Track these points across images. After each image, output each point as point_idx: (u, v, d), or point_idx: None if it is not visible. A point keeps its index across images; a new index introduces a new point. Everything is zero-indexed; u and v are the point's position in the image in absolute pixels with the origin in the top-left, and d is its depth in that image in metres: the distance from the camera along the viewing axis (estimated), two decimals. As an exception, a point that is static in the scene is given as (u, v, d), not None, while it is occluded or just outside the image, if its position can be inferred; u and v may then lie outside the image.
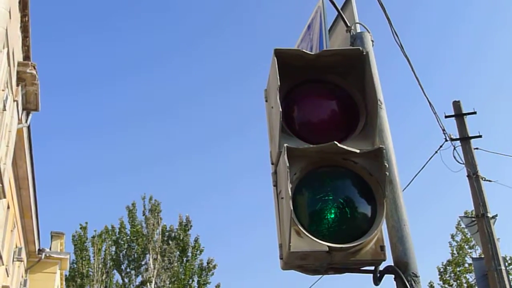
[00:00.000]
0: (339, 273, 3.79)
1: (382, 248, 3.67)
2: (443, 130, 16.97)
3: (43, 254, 28.00)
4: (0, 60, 14.30)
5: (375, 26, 4.78)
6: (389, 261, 3.77)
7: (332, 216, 3.67)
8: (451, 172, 17.58)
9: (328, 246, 3.52)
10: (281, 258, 3.72)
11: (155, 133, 76.19)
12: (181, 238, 39.44)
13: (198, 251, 39.67)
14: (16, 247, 23.63)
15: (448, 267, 36.92)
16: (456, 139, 17.62)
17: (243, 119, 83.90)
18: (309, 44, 4.99)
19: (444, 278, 36.73)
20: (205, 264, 39.43)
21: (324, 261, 3.62)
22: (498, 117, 73.17)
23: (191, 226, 40.35)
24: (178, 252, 38.89)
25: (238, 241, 70.41)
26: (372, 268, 3.75)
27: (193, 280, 38.86)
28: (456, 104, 18.32)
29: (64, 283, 35.05)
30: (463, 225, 33.10)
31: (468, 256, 36.27)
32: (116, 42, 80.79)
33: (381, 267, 3.76)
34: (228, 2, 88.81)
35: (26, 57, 18.64)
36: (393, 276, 3.77)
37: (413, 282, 3.73)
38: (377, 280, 3.75)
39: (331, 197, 3.71)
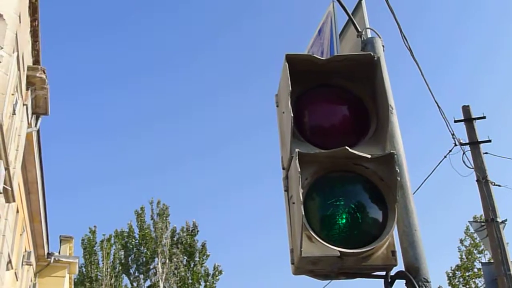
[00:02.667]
0: (350, 278, 3.79)
1: (393, 253, 3.67)
2: (453, 134, 16.94)
3: (52, 258, 28.02)
4: (10, 65, 14.34)
5: (386, 31, 4.78)
6: (400, 266, 3.77)
7: (343, 221, 3.67)
8: (460, 176, 17.55)
9: (340, 251, 3.52)
10: (292, 263, 3.72)
11: (163, 137, 76.33)
12: (188, 243, 39.53)
13: (205, 256, 39.78)
14: (25, 251, 23.66)
15: (457, 272, 36.84)
16: (466, 144, 17.60)
17: (251, 123, 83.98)
18: (319, 48, 4.99)
19: (453, 283, 36.66)
20: (211, 270, 39.55)
21: (335, 266, 3.61)
22: (507, 121, 72.97)
23: (197, 231, 40.47)
24: (185, 258, 38.99)
25: (246, 245, 70.34)
26: (383, 273, 3.75)
27: (199, 284, 38.92)
28: (466, 109, 18.30)
29: (73, 287, 35.09)
30: (471, 230, 33.05)
31: (477, 261, 36.19)
32: (126, 45, 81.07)
33: (392, 272, 3.75)
34: (238, 4, 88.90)
35: (36, 61, 18.70)
36: (404, 281, 3.76)
37: (424, 287, 3.73)
38: (388, 285, 3.75)
39: (342, 202, 3.71)
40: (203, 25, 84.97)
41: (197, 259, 39.49)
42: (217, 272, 39.58)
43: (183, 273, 38.11)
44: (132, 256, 39.38)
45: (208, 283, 39.07)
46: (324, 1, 5.02)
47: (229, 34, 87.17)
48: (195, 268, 39.02)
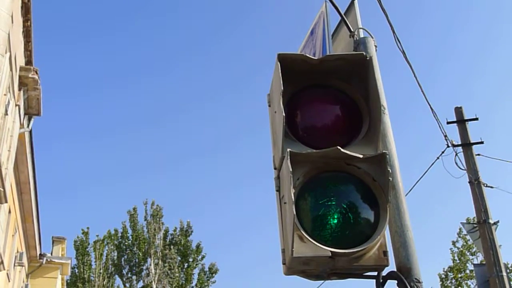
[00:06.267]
0: (342, 278, 3.78)
1: (385, 253, 3.67)
2: (445, 136, 16.96)
3: (44, 259, 27.98)
4: (2, 65, 14.30)
5: (378, 31, 4.78)
6: (392, 266, 3.77)
7: (335, 221, 3.66)
8: (453, 178, 17.56)
9: (331, 251, 3.51)
10: (284, 263, 3.71)
11: (159, 138, 76.20)
12: (181, 243, 39.50)
13: (200, 257, 39.77)
14: (18, 252, 23.61)
15: (449, 273, 36.90)
16: (458, 145, 17.60)
17: (245, 123, 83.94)
18: (312, 49, 4.98)
19: (446, 285, 36.71)
20: (206, 268, 39.57)
21: (327, 266, 3.61)
22: (499, 123, 73.20)
23: (191, 231, 40.46)
24: (179, 258, 38.95)
25: (239, 246, 70.32)
26: (375, 273, 3.74)
27: (193, 285, 38.92)
28: (458, 110, 18.30)
29: (65, 288, 35.03)
30: (464, 232, 33.14)
31: (470, 263, 36.27)
32: (117, 47, 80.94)
33: (384, 273, 3.75)
34: (229, 7, 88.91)
35: (28, 61, 18.66)
36: (396, 281, 3.76)
37: (416, 287, 3.73)
38: (380, 286, 3.74)
39: (334, 202, 3.70)
40: (201, 26, 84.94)
41: (190, 259, 39.46)
42: (212, 271, 39.59)
43: (177, 274, 38.04)
44: (125, 257, 39.30)
45: (203, 283, 39.06)
46: (317, 1, 5.02)
47: (225, 34, 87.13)
48: (188, 269, 38.99)
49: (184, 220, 40.86)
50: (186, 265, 39.27)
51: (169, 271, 37.84)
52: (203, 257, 39.97)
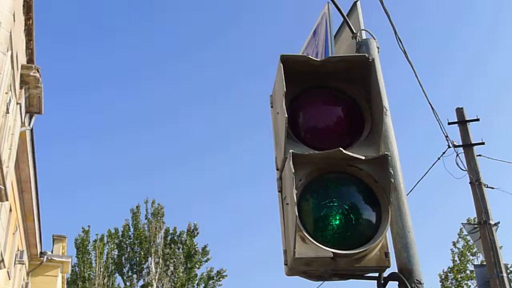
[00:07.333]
0: (343, 279, 3.79)
1: (387, 254, 3.67)
2: (446, 136, 16.95)
3: (45, 257, 27.95)
4: (3, 63, 14.30)
5: (380, 32, 4.78)
6: (393, 267, 3.77)
7: (337, 222, 3.67)
8: (454, 178, 17.56)
9: (333, 252, 3.52)
10: (285, 264, 3.71)
11: (161, 137, 76.20)
12: (186, 243, 39.46)
13: (205, 259, 39.79)
14: (18, 250, 23.61)
15: (449, 274, 36.89)
16: (459, 146, 17.59)
17: (247, 124, 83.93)
18: (314, 50, 4.99)
19: (446, 285, 36.69)
20: (214, 272, 39.63)
21: (328, 267, 3.61)
22: (501, 124, 73.17)
23: (197, 233, 40.44)
24: (183, 258, 38.92)
25: (239, 246, 70.29)
26: (377, 274, 3.75)
27: (194, 287, 38.93)
28: (459, 111, 18.30)
29: (65, 286, 35.00)
30: (465, 232, 33.12)
31: (470, 263, 36.24)
32: (118, 46, 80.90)
33: (386, 274, 3.75)
34: (232, 7, 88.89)
35: (30, 60, 18.65)
36: (397, 283, 3.76)
37: (417, 289, 3.73)
38: (381, 287, 3.75)
39: (336, 203, 3.71)
40: (201, 25, 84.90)
41: (194, 260, 39.43)
42: (220, 276, 39.64)
43: (181, 274, 38.06)
44: (126, 255, 39.31)
45: (205, 283, 39.11)
46: (320, 2, 5.02)
47: (226, 34, 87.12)
48: (191, 270, 38.96)
49: (189, 221, 40.96)
50: (189, 265, 39.21)
51: (173, 270, 37.88)
52: (207, 259, 40.02)
